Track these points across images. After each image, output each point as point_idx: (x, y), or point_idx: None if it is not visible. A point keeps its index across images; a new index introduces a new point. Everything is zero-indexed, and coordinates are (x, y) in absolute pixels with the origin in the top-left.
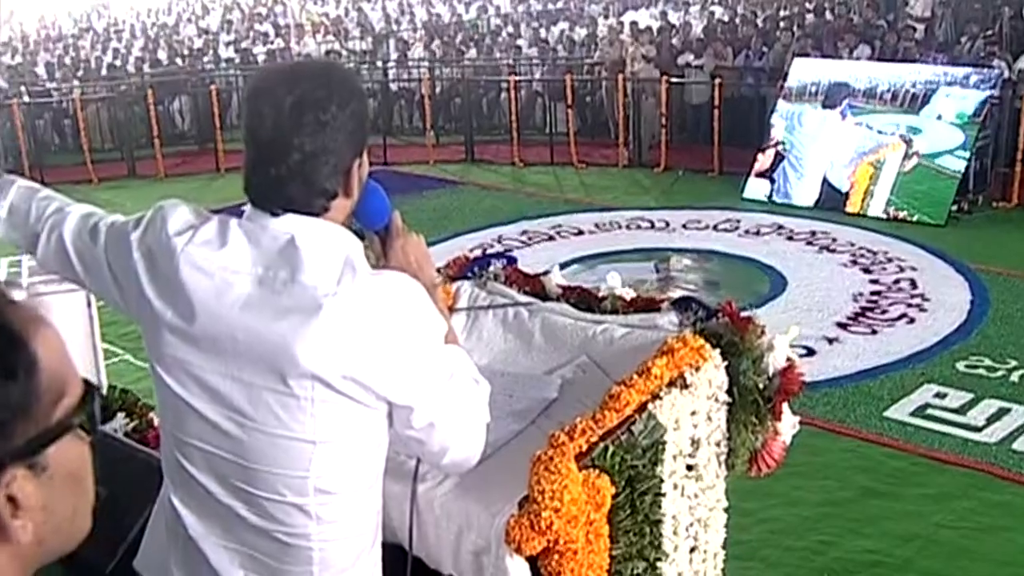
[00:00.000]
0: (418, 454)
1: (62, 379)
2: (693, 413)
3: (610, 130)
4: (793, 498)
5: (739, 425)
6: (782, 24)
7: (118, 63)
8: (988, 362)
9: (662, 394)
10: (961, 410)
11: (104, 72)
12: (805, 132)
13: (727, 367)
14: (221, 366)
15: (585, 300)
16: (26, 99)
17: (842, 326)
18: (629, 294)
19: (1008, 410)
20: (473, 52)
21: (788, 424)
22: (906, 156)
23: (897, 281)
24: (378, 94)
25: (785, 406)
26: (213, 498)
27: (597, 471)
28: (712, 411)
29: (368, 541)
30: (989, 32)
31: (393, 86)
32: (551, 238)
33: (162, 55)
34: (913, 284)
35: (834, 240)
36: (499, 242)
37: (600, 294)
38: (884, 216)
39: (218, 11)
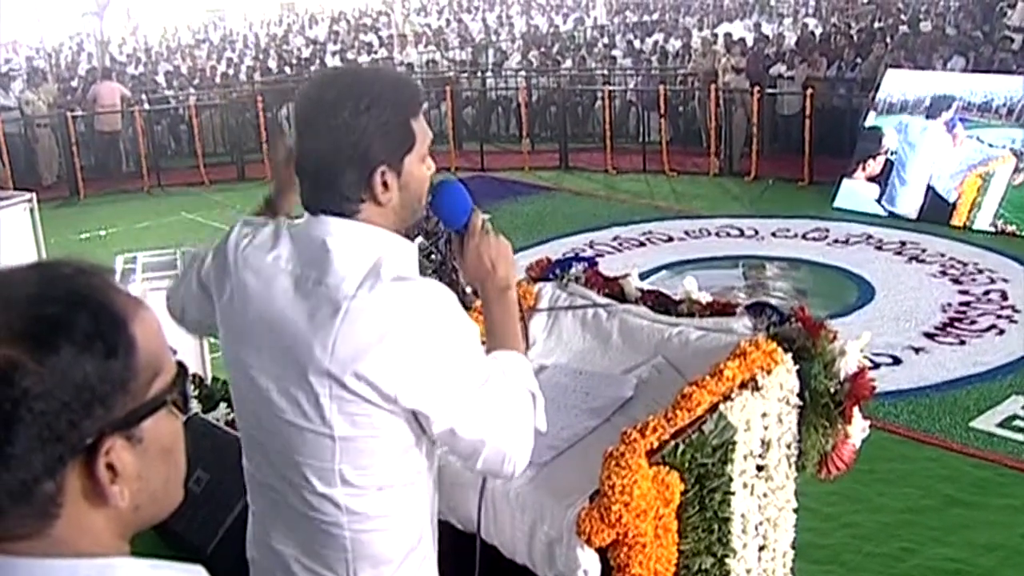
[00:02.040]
0: (458, 458)
1: (158, 359)
2: (764, 415)
3: (701, 139)
4: (876, 504)
5: (809, 428)
6: (876, 36)
7: (231, 72)
8: None
9: (733, 395)
10: None
11: (218, 80)
12: (912, 142)
13: (799, 371)
14: (263, 361)
15: (662, 303)
16: (146, 106)
17: (929, 336)
18: (705, 298)
19: None
20: (569, 62)
21: (858, 428)
22: (1016, 170)
23: (987, 292)
24: (476, 102)
25: (856, 410)
26: (266, 484)
27: (667, 468)
28: (783, 413)
29: (412, 538)
30: None
31: (491, 94)
32: (642, 244)
33: (272, 64)
34: (1004, 296)
35: (924, 251)
36: (591, 247)
37: (677, 298)
38: (992, 229)
39: (326, 22)
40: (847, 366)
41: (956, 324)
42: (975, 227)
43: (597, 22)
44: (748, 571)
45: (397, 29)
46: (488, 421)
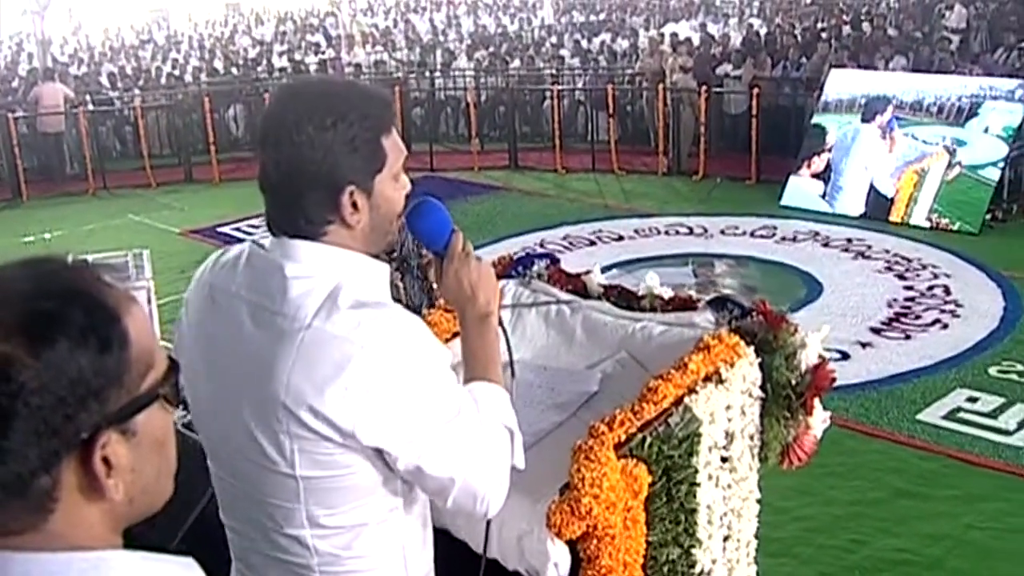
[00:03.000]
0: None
1: (150, 353)
2: (728, 407)
3: (650, 138)
4: (827, 497)
5: (772, 419)
6: (820, 36)
7: (176, 73)
8: (1020, 367)
9: (698, 388)
10: (992, 414)
11: (163, 81)
12: (853, 140)
13: (761, 364)
14: (223, 398)
15: (625, 299)
16: (90, 107)
17: (876, 331)
18: (667, 293)
19: None
20: (517, 62)
21: (819, 419)
22: (949, 165)
23: (931, 287)
24: (425, 102)
25: (816, 402)
26: (235, 529)
27: (635, 460)
28: (746, 406)
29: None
30: None
31: (439, 95)
32: (592, 243)
33: (218, 65)
34: (947, 290)
35: (869, 247)
36: (542, 246)
37: (639, 293)
38: (927, 224)
39: (272, 22)
40: (808, 358)
41: (902, 319)
42: (912, 222)
43: (544, 22)
44: (713, 561)
45: (345, 29)
46: (457, 458)
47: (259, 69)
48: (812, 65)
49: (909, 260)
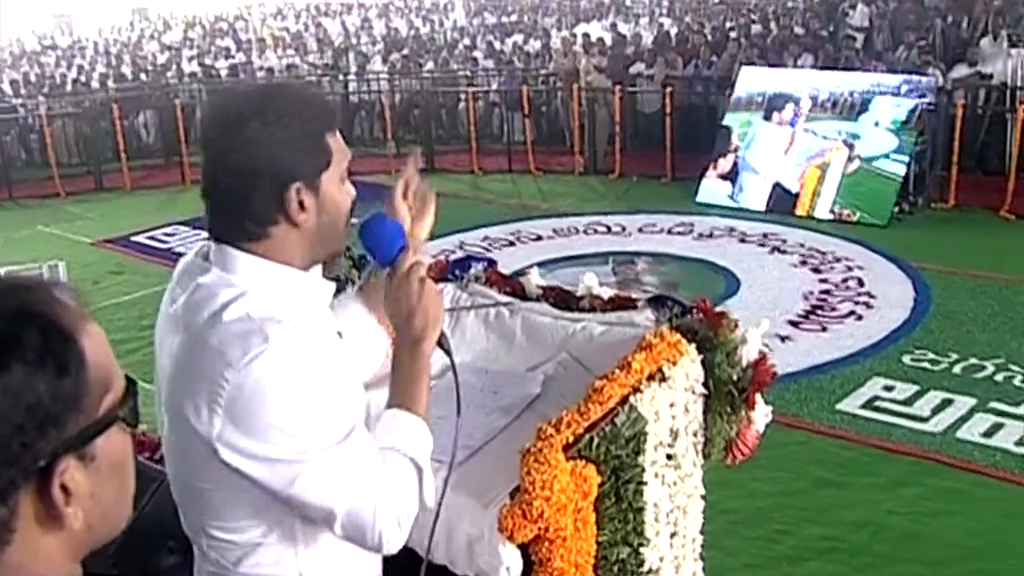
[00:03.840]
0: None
1: (107, 374)
2: (672, 405)
3: (565, 138)
4: (751, 489)
5: (715, 416)
6: (730, 35)
7: (83, 79)
8: (932, 356)
9: (642, 387)
10: (908, 402)
11: (69, 88)
12: (756, 138)
13: (702, 360)
14: (164, 415)
15: (564, 300)
16: None
17: (793, 324)
18: (606, 293)
19: (951, 401)
20: (431, 64)
21: (761, 414)
22: (849, 159)
23: (845, 280)
24: (339, 106)
25: (758, 396)
26: (194, 541)
27: (584, 461)
28: (689, 403)
29: None
30: (923, 42)
31: (354, 98)
32: (511, 243)
33: (126, 70)
34: (860, 283)
35: (784, 241)
36: (461, 248)
37: (578, 294)
38: (830, 216)
39: (180, 27)
40: (748, 354)
41: (818, 312)
42: (816, 215)
43: (457, 24)
44: (661, 559)
45: (255, 33)
46: (338, 487)
47: (169, 75)
48: (723, 63)
49: (823, 253)
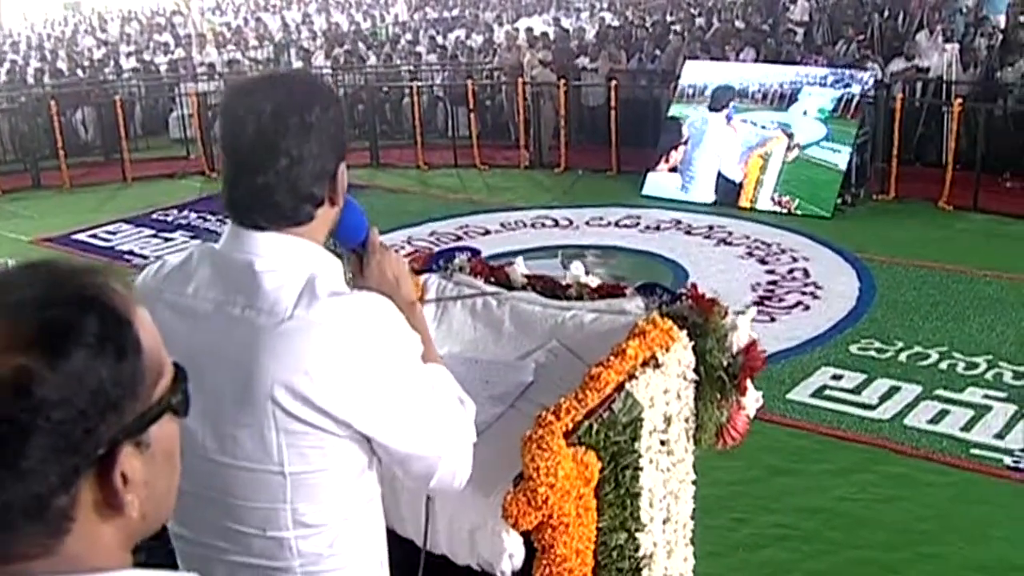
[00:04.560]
0: (403, 479)
1: (159, 360)
2: (665, 391)
3: (510, 132)
4: (709, 479)
5: (706, 401)
6: (672, 29)
7: (16, 75)
8: (878, 344)
9: (637, 374)
10: (856, 390)
11: (2, 83)
12: (700, 131)
13: (694, 347)
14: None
15: (551, 288)
16: None
17: (743, 315)
18: (594, 281)
19: (898, 388)
20: (374, 59)
21: (752, 399)
22: (788, 148)
23: (791, 271)
24: None
25: (749, 382)
26: (199, 543)
27: (584, 448)
28: (681, 389)
29: (368, 567)
30: (862, 36)
31: None
32: (459, 238)
33: (62, 66)
34: (806, 273)
35: (730, 234)
36: (409, 243)
37: (564, 282)
38: (772, 204)
39: (116, 22)
40: (739, 340)
41: (766, 302)
42: (759, 207)
43: (398, 19)
44: (655, 544)
45: (195, 28)
46: (440, 438)
47: (107, 70)
48: (666, 57)
49: (768, 245)
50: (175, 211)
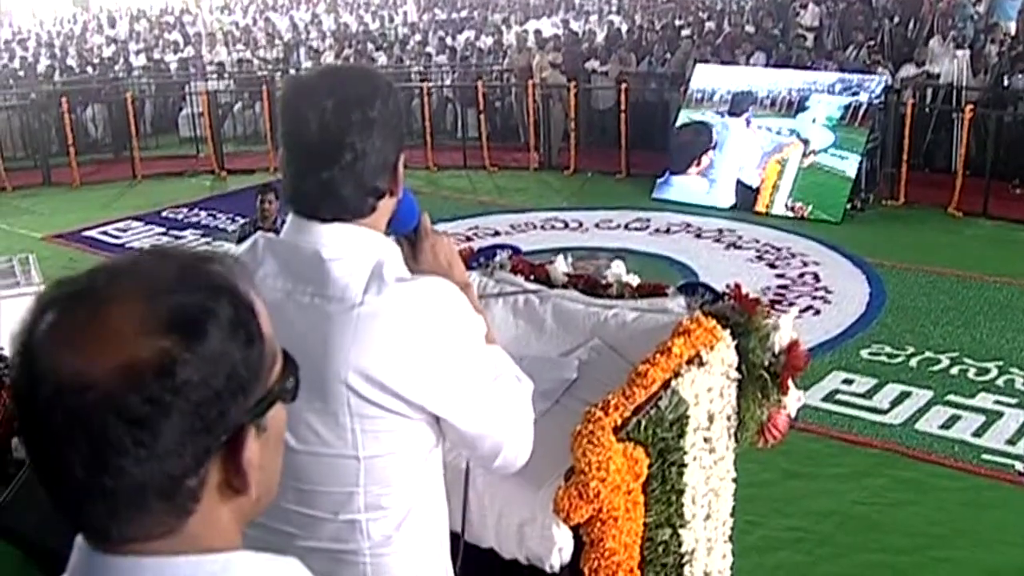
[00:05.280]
0: (470, 458)
1: (274, 347)
2: (709, 389)
3: (520, 134)
4: None
5: (748, 400)
6: (682, 32)
7: (26, 72)
8: (889, 349)
9: (682, 372)
10: (867, 395)
11: (12, 81)
12: (724, 135)
13: (736, 346)
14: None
15: (591, 287)
16: None
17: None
18: (635, 280)
19: (909, 393)
20: (384, 59)
21: (794, 398)
22: (804, 154)
23: (802, 275)
24: None
25: (791, 381)
26: (262, 527)
27: (633, 443)
28: (724, 387)
29: (431, 548)
30: (872, 42)
31: None
32: (468, 239)
33: (72, 63)
34: (816, 278)
35: (740, 237)
36: None
37: (605, 280)
38: (786, 209)
39: (125, 20)
40: (781, 340)
41: (776, 307)
42: (774, 212)
43: (407, 19)
44: (696, 540)
45: (205, 28)
46: (507, 418)
47: (116, 68)
48: (676, 61)
49: (779, 249)
50: (185, 209)
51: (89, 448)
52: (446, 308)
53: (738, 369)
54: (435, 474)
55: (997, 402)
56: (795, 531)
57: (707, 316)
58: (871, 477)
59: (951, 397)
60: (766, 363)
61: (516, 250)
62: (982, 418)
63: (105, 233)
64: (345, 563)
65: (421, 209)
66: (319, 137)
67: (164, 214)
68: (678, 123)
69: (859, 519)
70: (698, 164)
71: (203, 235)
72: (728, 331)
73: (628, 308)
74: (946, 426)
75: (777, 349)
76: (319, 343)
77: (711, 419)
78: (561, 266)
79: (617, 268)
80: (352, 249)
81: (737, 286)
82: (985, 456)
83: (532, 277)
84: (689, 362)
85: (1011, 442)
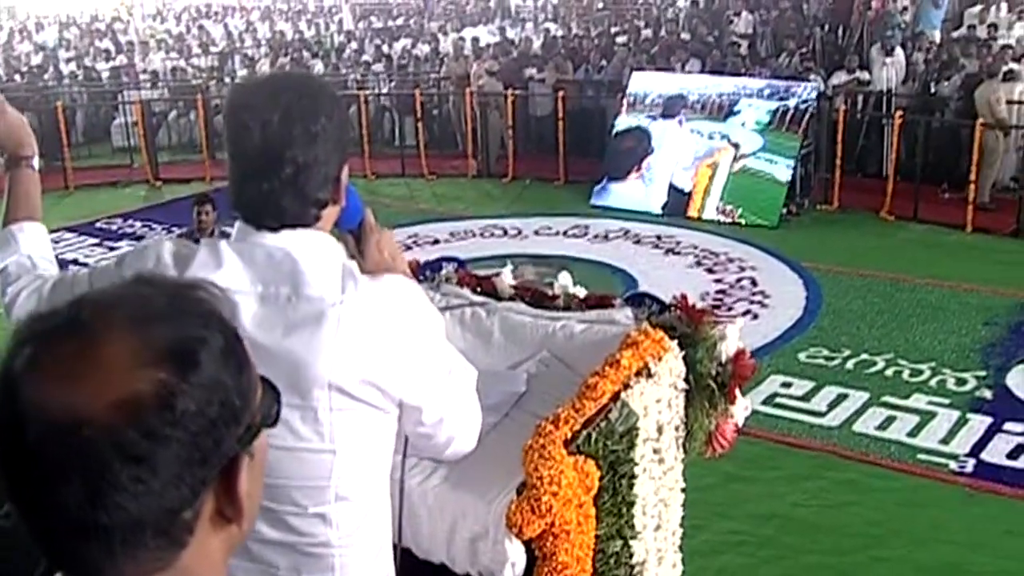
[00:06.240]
0: (423, 448)
1: (256, 371)
2: (658, 400)
3: (458, 142)
4: None
5: (696, 410)
6: (618, 39)
7: None
8: (826, 352)
9: (631, 384)
10: (805, 397)
11: None
12: (659, 139)
13: (684, 356)
14: None
15: (538, 299)
16: None
17: (731, 325)
18: (582, 292)
19: (846, 395)
20: (320, 67)
21: (740, 407)
22: (735, 159)
23: (739, 280)
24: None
25: (737, 390)
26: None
27: (584, 456)
28: (672, 398)
29: (384, 541)
30: (804, 49)
31: None
32: (408, 247)
33: None
34: (753, 282)
35: (678, 243)
36: None
37: (552, 292)
38: (718, 213)
39: (54, 27)
40: (728, 349)
41: (715, 312)
42: (705, 216)
43: (343, 27)
44: (647, 551)
45: (138, 35)
46: (462, 406)
47: (46, 76)
48: (612, 68)
49: (716, 254)
50: (120, 220)
51: (85, 487)
52: (415, 304)
53: (686, 379)
54: (390, 464)
55: (931, 403)
56: (737, 534)
57: (655, 327)
58: (811, 479)
59: (887, 398)
60: (713, 373)
61: (461, 263)
62: (916, 418)
63: None
64: (314, 556)
65: (364, 205)
66: (261, 148)
67: (98, 225)
68: (616, 129)
69: (800, 521)
70: (638, 170)
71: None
72: (676, 342)
73: (576, 320)
74: (882, 427)
75: (724, 359)
76: (300, 342)
77: (660, 430)
78: (508, 278)
79: (564, 280)
80: (318, 250)
81: (683, 297)
82: (920, 456)
83: (479, 290)
84: (638, 374)
85: (944, 442)
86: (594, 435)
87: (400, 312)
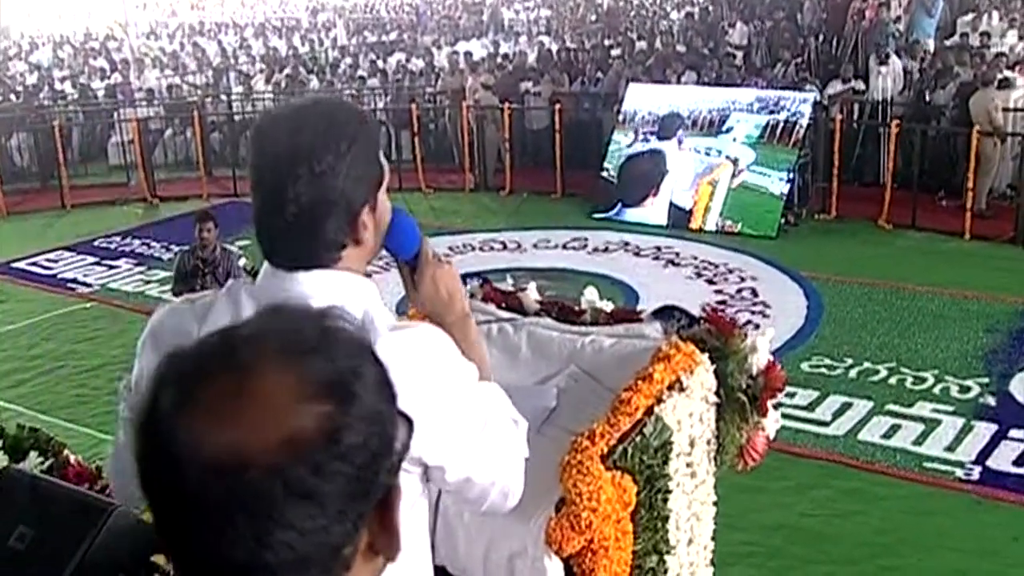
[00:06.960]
0: (458, 503)
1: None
2: (690, 414)
3: (454, 156)
4: None
5: (727, 423)
6: (613, 52)
7: None
8: (828, 361)
9: (664, 398)
10: (810, 407)
11: None
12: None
13: (715, 370)
14: None
15: (565, 314)
16: None
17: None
18: (608, 306)
19: (851, 404)
20: (315, 82)
21: (772, 419)
22: (734, 175)
23: (740, 291)
24: (224, 126)
25: (769, 403)
26: None
27: (621, 471)
28: (704, 411)
29: None
30: (799, 59)
31: (239, 118)
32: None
33: None
34: (754, 293)
35: (678, 255)
36: None
37: (579, 307)
38: (717, 229)
39: (48, 47)
40: (758, 362)
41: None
42: (706, 229)
43: (337, 42)
44: (681, 565)
45: (133, 53)
46: (496, 462)
47: (42, 96)
48: (608, 80)
49: (716, 266)
50: (118, 238)
51: (251, 526)
52: (439, 358)
53: (717, 393)
54: (420, 519)
55: (935, 410)
56: (747, 545)
57: (685, 341)
58: (817, 489)
59: (891, 407)
60: (744, 386)
61: (486, 279)
62: (921, 426)
63: (36, 264)
64: None
65: (422, 234)
66: (269, 186)
67: (96, 243)
68: (628, 153)
69: (807, 531)
70: (655, 194)
71: (137, 264)
72: (706, 355)
73: (604, 334)
74: (887, 435)
75: (755, 371)
76: None
77: (692, 444)
78: (533, 293)
79: (590, 295)
80: (338, 296)
81: (713, 309)
82: (926, 464)
83: (504, 305)
84: (670, 388)
85: (950, 449)
86: (630, 450)
87: (421, 368)
